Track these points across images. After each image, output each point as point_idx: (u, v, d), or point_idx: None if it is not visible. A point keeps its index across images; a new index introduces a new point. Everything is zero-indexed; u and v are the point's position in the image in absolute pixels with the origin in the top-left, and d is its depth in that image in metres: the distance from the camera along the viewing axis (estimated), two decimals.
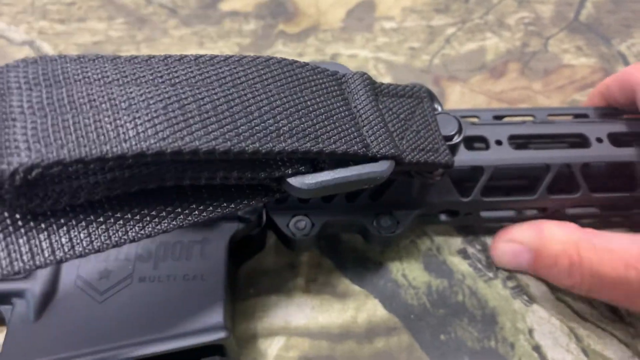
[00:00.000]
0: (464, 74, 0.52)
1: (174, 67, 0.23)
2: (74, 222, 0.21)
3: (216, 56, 0.25)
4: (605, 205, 0.38)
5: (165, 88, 0.22)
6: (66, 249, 0.21)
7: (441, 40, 0.54)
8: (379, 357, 0.35)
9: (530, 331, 0.36)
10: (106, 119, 0.20)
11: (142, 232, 0.22)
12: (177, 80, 0.23)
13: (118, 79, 0.22)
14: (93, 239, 0.21)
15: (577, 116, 0.39)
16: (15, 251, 0.20)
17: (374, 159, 0.27)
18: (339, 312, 0.37)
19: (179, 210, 0.23)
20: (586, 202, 0.37)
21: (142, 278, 0.31)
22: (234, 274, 0.36)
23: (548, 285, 0.38)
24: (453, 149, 0.32)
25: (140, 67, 0.23)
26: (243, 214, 0.34)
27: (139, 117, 0.20)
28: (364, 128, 0.27)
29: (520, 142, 0.38)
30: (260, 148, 0.23)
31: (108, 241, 0.21)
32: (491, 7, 0.57)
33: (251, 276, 0.38)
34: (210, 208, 0.24)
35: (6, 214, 0.20)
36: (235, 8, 0.57)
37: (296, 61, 0.27)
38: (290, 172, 0.25)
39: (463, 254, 0.40)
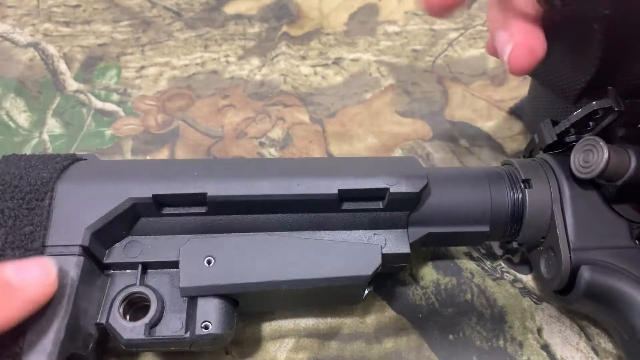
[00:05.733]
0: (466, 78, 0.52)
1: None
2: None
3: None
4: None
5: None
6: None
7: (444, 43, 0.55)
8: (388, 358, 0.35)
9: (539, 330, 0.36)
10: None
11: None
12: None
13: None
14: None
15: None
16: None
17: None
18: (347, 313, 0.37)
19: None
20: None
21: None
22: None
23: None
24: None
25: None
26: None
27: None
28: None
29: None
30: None
31: None
32: None
33: None
34: None
35: None
36: (239, 11, 0.57)
37: None
38: None
39: (469, 256, 0.40)
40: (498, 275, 0.39)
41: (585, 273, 0.32)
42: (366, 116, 0.49)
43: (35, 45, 0.53)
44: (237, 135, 0.47)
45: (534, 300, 0.37)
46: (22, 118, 0.47)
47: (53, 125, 0.47)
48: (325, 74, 0.52)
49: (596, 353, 0.35)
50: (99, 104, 0.49)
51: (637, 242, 0.33)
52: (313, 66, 0.53)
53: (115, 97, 0.49)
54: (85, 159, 0.33)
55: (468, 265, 0.39)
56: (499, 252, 0.40)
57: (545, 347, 0.35)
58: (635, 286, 0.31)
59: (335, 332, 0.36)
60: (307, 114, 0.49)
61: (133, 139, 0.46)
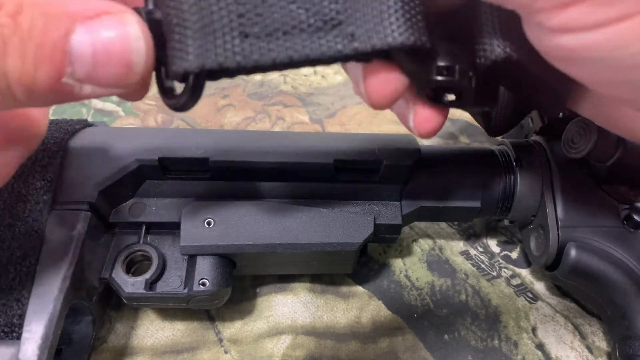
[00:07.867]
0: None
1: None
2: None
3: None
4: None
5: None
6: None
7: None
8: (384, 357, 0.35)
9: (534, 329, 0.36)
10: None
11: None
12: None
13: None
14: None
15: None
16: None
17: None
18: (343, 312, 0.37)
19: None
20: None
21: None
22: None
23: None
24: None
25: None
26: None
27: None
28: None
29: None
30: None
31: None
32: None
33: (257, 275, 0.38)
34: None
35: None
36: None
37: None
38: None
39: (465, 255, 0.40)
40: (494, 274, 0.39)
41: (571, 250, 0.33)
42: (366, 115, 0.49)
43: None
44: None
45: (529, 299, 0.38)
46: None
47: None
48: (325, 74, 0.52)
49: (590, 351, 0.35)
50: (98, 103, 0.49)
51: (624, 222, 0.34)
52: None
53: (114, 96, 0.49)
54: (97, 126, 0.35)
55: (463, 266, 0.39)
56: (496, 249, 0.41)
57: (540, 346, 0.36)
58: (618, 264, 0.32)
59: (332, 331, 0.36)
60: (307, 114, 0.49)
61: None
